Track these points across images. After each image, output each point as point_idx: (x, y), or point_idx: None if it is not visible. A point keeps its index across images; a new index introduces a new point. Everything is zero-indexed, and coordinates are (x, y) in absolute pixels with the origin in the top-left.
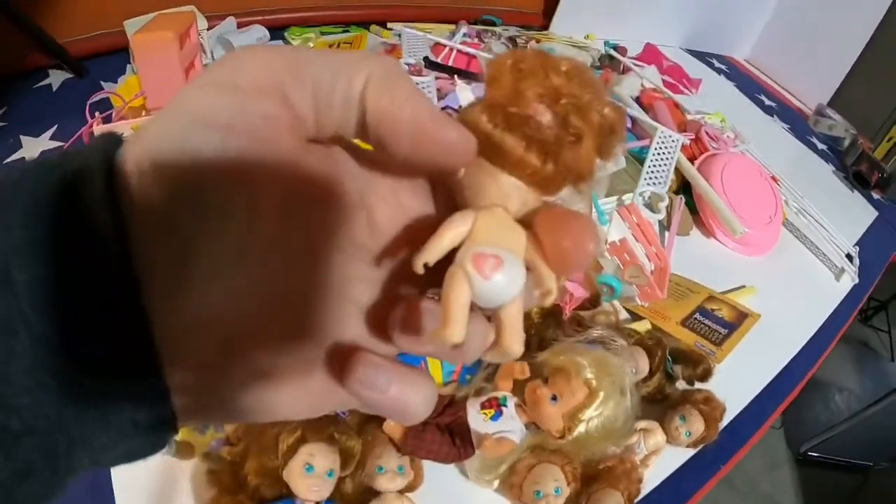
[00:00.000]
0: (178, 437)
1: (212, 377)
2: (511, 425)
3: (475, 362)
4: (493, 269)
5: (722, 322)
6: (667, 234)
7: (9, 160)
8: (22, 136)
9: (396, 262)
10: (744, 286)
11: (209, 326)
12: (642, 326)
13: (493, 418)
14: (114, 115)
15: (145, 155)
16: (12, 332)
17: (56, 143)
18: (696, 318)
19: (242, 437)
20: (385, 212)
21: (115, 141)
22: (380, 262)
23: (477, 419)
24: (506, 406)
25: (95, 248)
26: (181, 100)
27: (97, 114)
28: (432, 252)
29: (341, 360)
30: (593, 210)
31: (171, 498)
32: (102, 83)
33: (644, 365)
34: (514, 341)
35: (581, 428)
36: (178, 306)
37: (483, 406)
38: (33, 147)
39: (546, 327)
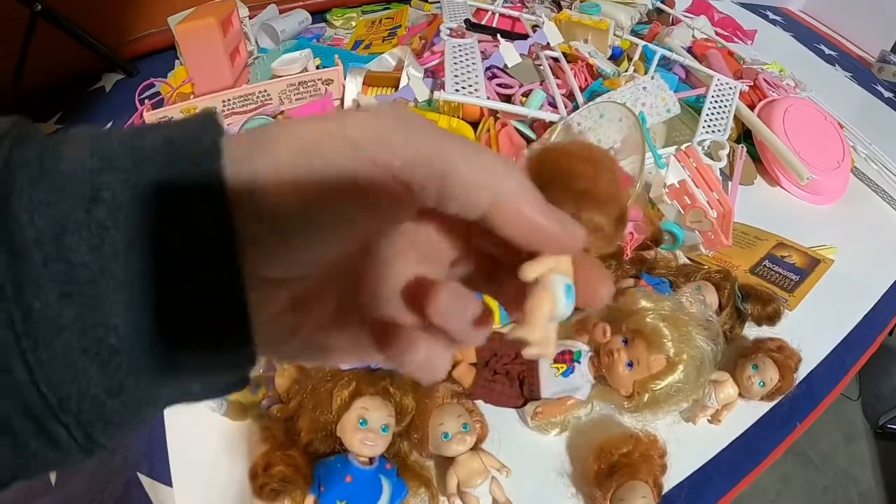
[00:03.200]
0: (230, 397)
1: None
2: (580, 382)
3: None
4: (572, 299)
5: (793, 269)
6: (730, 183)
7: None
8: None
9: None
10: (823, 245)
11: (286, 285)
12: None
13: (565, 374)
14: (165, 101)
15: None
16: (113, 260)
17: None
18: (765, 266)
19: (295, 394)
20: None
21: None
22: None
23: (548, 373)
24: (579, 362)
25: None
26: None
27: (147, 101)
28: (537, 270)
29: (381, 329)
30: (644, 154)
31: (224, 456)
32: (153, 80)
33: (713, 299)
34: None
35: (649, 395)
36: (264, 270)
37: (556, 359)
38: None
39: (607, 268)
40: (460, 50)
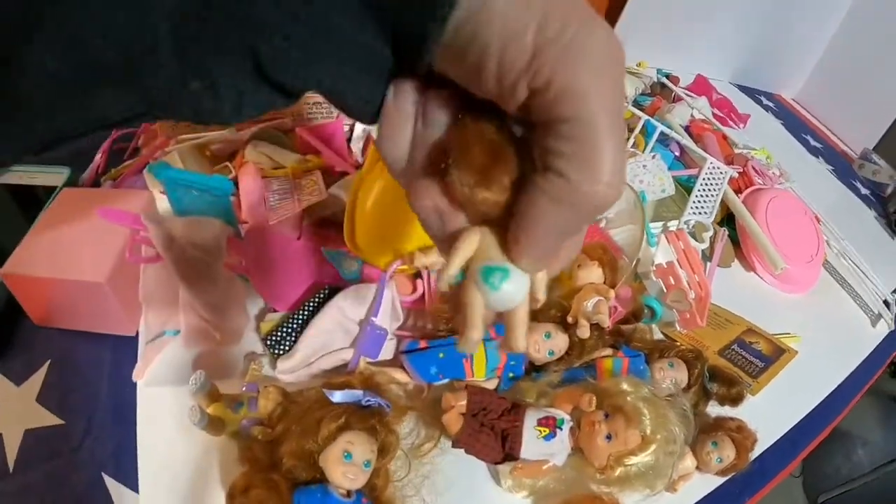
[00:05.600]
0: (211, 411)
1: None
2: (559, 448)
3: (519, 364)
4: (501, 281)
5: (759, 355)
6: (708, 264)
7: None
8: None
9: None
10: (788, 333)
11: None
12: None
13: (547, 438)
14: None
15: None
16: None
17: None
18: (733, 349)
19: (280, 418)
20: None
21: None
22: None
23: (531, 434)
24: (561, 429)
25: None
26: None
27: None
28: (454, 269)
29: None
30: (643, 232)
31: (194, 470)
32: None
33: (682, 377)
34: (521, 337)
35: (621, 469)
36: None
37: (540, 423)
38: None
39: (589, 338)
40: None
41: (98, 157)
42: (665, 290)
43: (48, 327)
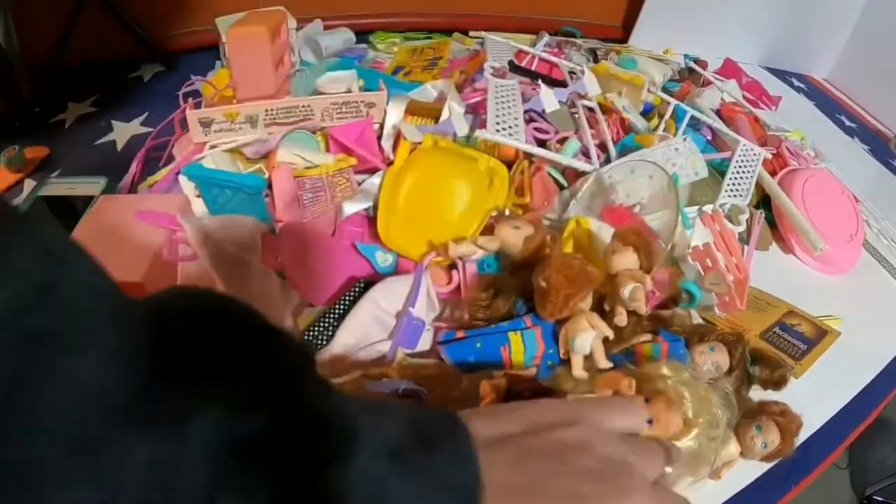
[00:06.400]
0: None
1: None
2: None
3: (557, 352)
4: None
5: (802, 337)
6: (746, 247)
7: (100, 141)
8: (113, 121)
9: None
10: (830, 315)
11: None
12: None
13: None
14: (203, 103)
15: None
16: None
17: (146, 129)
18: (775, 332)
19: None
20: None
21: None
22: None
23: None
24: None
25: None
26: None
27: (190, 99)
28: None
29: None
30: (679, 216)
31: None
32: (192, 76)
33: (724, 360)
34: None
35: None
36: None
37: None
38: (124, 131)
39: (626, 326)
40: (503, 90)
41: (134, 166)
42: (702, 273)
43: None
